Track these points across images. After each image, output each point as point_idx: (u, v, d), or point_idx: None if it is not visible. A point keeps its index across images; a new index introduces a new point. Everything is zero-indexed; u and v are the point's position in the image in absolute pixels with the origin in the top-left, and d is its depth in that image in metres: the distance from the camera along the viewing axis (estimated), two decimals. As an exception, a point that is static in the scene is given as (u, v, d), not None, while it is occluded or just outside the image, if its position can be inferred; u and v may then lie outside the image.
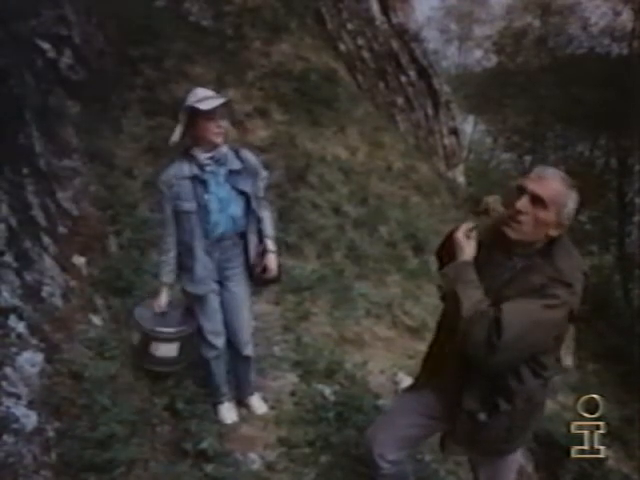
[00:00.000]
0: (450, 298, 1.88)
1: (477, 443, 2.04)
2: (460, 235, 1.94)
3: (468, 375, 1.95)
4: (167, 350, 2.91)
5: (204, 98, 2.60)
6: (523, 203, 1.80)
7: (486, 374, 1.91)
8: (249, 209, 2.83)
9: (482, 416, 1.96)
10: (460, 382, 1.99)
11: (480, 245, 1.97)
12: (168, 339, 2.88)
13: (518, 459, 2.27)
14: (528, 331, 1.73)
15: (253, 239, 2.88)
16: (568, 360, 2.13)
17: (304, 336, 4.21)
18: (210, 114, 2.58)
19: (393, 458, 2.27)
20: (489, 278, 1.91)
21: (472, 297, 1.81)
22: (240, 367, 3.16)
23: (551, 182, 1.80)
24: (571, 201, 1.82)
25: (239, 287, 2.93)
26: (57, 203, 3.59)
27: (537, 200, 1.79)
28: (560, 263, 1.81)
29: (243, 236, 2.86)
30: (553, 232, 1.84)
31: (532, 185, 1.80)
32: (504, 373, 1.90)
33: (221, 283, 2.90)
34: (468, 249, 1.91)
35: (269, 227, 2.94)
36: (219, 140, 2.68)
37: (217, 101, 2.61)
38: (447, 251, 2.01)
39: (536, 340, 1.78)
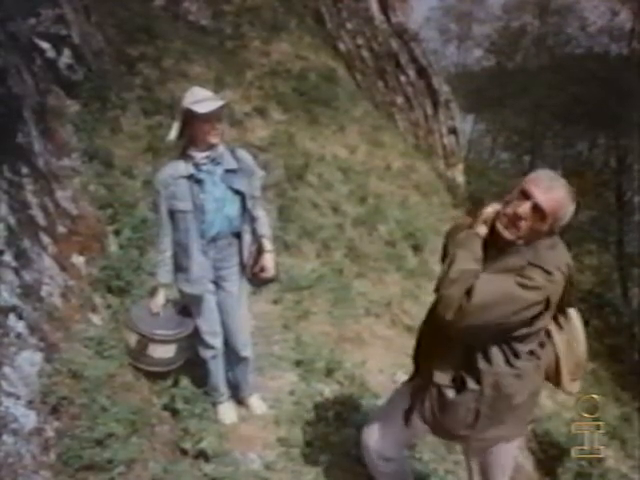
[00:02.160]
0: (449, 258, 1.91)
1: (442, 422, 2.06)
2: (489, 209, 1.94)
3: (441, 352, 1.99)
4: (164, 351, 2.90)
5: (202, 100, 2.59)
6: (525, 210, 1.81)
7: (454, 337, 1.92)
8: (244, 209, 2.83)
9: (450, 392, 1.99)
10: (434, 360, 2.03)
11: None
12: (166, 341, 2.87)
13: (512, 455, 2.26)
14: (496, 301, 1.77)
15: (247, 239, 2.88)
16: (573, 387, 2.16)
17: (303, 335, 4.21)
18: (207, 116, 2.58)
19: (391, 455, 2.28)
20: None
21: (466, 264, 1.86)
22: (239, 368, 3.16)
23: (557, 196, 1.80)
24: (568, 214, 1.84)
25: (235, 287, 2.92)
26: (56, 202, 3.58)
27: (538, 210, 1.80)
28: (542, 251, 1.84)
29: (238, 236, 2.86)
30: (543, 237, 1.87)
31: (539, 195, 1.79)
32: (473, 349, 1.93)
33: (217, 283, 2.90)
34: (484, 228, 1.94)
35: (266, 227, 2.93)
36: (215, 141, 2.67)
37: (214, 104, 2.59)
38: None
39: (503, 313, 1.79)
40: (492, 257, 1.93)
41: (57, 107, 4.73)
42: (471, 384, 1.95)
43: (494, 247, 1.94)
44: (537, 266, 1.80)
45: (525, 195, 1.81)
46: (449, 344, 1.95)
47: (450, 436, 2.14)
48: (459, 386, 1.98)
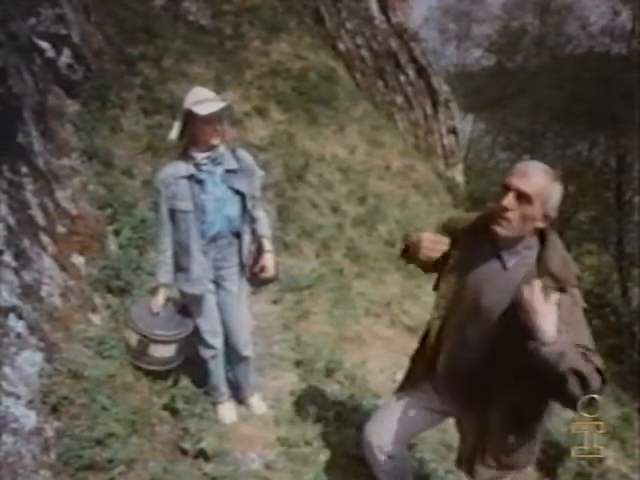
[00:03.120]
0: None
1: (509, 464, 2.03)
2: (539, 301, 1.71)
3: (493, 402, 1.93)
4: (165, 351, 2.90)
5: (203, 100, 2.59)
6: (509, 200, 1.81)
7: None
8: (245, 209, 2.83)
9: (512, 439, 1.96)
10: (483, 405, 1.96)
11: (467, 239, 2.00)
12: (167, 341, 2.87)
13: None
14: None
15: (247, 239, 2.88)
16: None
17: (303, 335, 4.21)
18: (208, 117, 2.57)
19: (392, 452, 2.27)
20: (479, 276, 1.94)
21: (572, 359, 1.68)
22: (240, 367, 3.16)
23: (534, 177, 1.81)
24: (555, 193, 1.83)
25: (235, 286, 2.92)
26: (56, 202, 3.58)
27: (522, 196, 1.80)
28: (555, 269, 1.82)
29: (238, 235, 2.86)
30: (539, 224, 1.86)
31: (516, 182, 1.81)
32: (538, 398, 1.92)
33: (217, 283, 2.90)
34: (551, 318, 1.69)
35: (266, 227, 2.93)
36: (215, 142, 2.66)
37: (215, 106, 2.58)
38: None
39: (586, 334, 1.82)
40: (491, 261, 1.92)
41: (57, 107, 4.73)
42: (534, 426, 1.96)
43: (489, 247, 1.93)
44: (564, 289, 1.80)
45: (507, 188, 1.83)
46: (503, 395, 1.90)
47: (514, 468, 2.08)
48: (518, 430, 1.95)
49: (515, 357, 1.81)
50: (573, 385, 1.65)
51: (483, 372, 1.94)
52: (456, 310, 2.05)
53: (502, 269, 1.91)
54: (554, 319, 1.68)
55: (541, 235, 1.90)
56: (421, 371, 2.23)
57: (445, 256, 2.03)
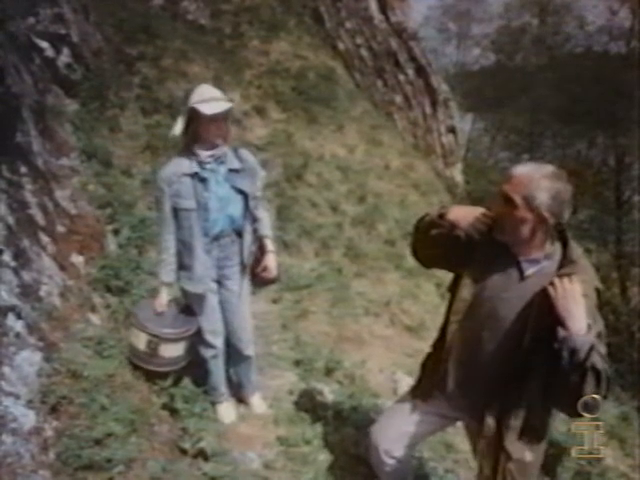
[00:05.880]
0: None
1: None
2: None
3: (508, 420, 1.91)
4: (174, 350, 2.87)
5: (209, 99, 2.58)
6: (498, 207, 1.82)
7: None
8: (247, 209, 2.82)
9: (529, 456, 1.96)
10: (499, 424, 1.95)
11: (484, 242, 1.95)
12: (177, 339, 2.85)
13: None
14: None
15: (248, 239, 2.87)
16: None
17: (302, 335, 4.21)
18: (213, 117, 2.56)
19: (399, 454, 2.26)
20: (497, 283, 1.91)
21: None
22: (241, 367, 3.16)
23: (517, 178, 1.78)
24: (541, 191, 1.74)
25: (237, 285, 2.92)
26: (55, 202, 3.57)
27: (508, 200, 1.79)
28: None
29: (241, 234, 2.86)
30: (539, 228, 1.81)
31: (503, 187, 1.80)
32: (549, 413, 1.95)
33: (219, 282, 2.89)
34: (583, 309, 1.71)
35: (268, 227, 2.93)
36: (219, 141, 2.66)
37: (221, 106, 2.58)
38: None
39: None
40: (509, 269, 1.89)
41: (56, 106, 4.72)
42: (544, 437, 1.97)
43: (505, 254, 1.89)
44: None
45: (506, 200, 1.81)
46: (518, 410, 1.89)
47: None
48: (533, 445, 1.95)
49: (532, 367, 1.82)
50: (590, 385, 1.66)
51: (498, 380, 1.92)
52: (472, 316, 2.00)
53: (520, 278, 1.87)
54: (584, 310, 1.69)
55: (563, 243, 1.88)
56: (434, 378, 2.18)
57: (462, 257, 2.00)
